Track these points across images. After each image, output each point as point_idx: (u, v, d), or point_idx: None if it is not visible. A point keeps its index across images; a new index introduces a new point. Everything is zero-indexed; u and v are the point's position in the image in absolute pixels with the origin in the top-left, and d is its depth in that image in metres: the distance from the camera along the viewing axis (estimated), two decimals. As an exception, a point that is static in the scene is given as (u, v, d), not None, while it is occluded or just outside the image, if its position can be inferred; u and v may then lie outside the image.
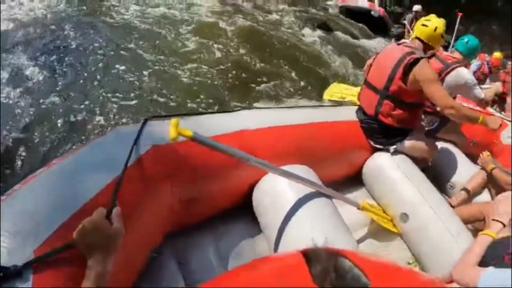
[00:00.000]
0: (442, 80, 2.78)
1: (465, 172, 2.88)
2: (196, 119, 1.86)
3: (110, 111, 3.85)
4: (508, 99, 4.69)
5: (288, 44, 6.99)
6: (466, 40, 3.07)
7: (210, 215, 1.89)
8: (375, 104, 2.43)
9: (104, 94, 4.08)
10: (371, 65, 2.62)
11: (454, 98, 2.96)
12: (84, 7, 6.46)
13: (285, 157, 1.95)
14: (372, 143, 2.53)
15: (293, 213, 1.74)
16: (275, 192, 1.84)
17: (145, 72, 4.65)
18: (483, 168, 2.73)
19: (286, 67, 5.72)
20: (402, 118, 2.40)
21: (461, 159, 3.04)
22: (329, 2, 13.45)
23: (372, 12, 10.95)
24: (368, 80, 2.57)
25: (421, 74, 2.21)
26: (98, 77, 4.41)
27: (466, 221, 2.29)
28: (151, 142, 1.52)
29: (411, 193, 2.27)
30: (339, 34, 9.20)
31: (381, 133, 2.48)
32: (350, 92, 3.83)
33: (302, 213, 1.74)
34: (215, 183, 1.77)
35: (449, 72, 2.83)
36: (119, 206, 1.06)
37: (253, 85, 4.92)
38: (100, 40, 5.33)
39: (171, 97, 4.26)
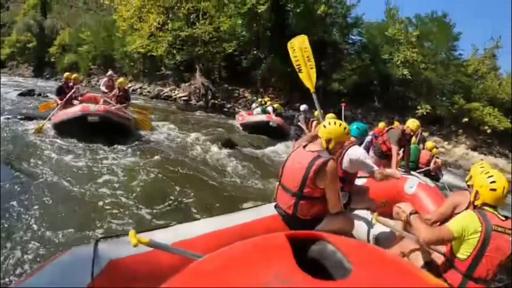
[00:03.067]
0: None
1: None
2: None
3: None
4: (393, 152, 5.25)
5: (197, 167, 7.50)
6: (355, 126, 3.73)
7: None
8: (292, 204, 2.70)
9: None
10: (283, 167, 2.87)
11: (356, 173, 3.46)
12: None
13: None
14: None
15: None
16: None
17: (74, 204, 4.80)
18: (399, 219, 2.96)
19: (200, 189, 6.13)
20: (318, 212, 2.72)
21: None
22: (230, 121, 14.88)
23: (271, 123, 12.16)
24: (282, 183, 2.81)
25: (329, 174, 2.55)
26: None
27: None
28: (107, 258, 1.64)
29: None
30: (243, 149, 10.02)
31: (301, 226, 2.68)
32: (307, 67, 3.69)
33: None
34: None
35: (345, 153, 3.31)
36: None
37: (173, 206, 5.25)
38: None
39: (112, 221, 4.44)
